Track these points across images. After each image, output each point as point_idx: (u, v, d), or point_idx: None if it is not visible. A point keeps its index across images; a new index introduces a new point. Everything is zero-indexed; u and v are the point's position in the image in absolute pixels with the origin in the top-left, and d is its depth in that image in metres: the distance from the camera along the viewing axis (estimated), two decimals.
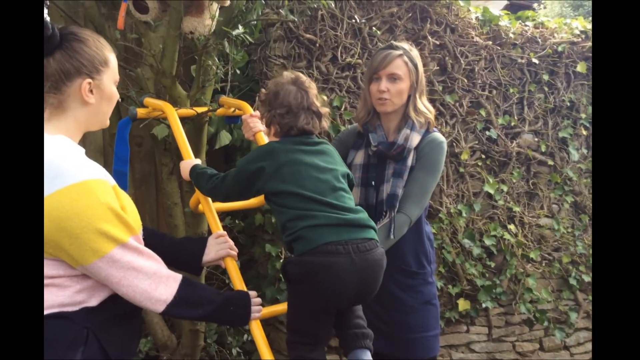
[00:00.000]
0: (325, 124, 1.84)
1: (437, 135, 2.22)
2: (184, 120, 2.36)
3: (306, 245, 1.61)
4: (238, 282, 1.82)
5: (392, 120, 2.22)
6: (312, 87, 1.81)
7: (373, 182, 2.19)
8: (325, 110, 1.83)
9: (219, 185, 1.82)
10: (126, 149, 2.11)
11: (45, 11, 2.98)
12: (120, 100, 2.87)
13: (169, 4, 2.09)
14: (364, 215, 1.72)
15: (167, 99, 2.34)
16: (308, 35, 3.02)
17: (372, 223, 1.73)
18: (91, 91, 1.45)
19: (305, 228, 1.62)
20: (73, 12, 2.80)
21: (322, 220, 1.62)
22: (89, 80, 1.43)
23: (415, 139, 2.16)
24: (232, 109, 2.24)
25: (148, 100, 2.16)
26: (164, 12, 2.12)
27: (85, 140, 3.07)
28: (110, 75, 1.50)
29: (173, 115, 2.07)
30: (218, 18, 2.18)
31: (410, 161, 2.16)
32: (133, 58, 2.65)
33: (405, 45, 2.23)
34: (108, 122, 1.57)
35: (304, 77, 1.82)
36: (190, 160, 1.97)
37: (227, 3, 2.08)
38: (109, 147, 3.05)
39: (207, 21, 2.08)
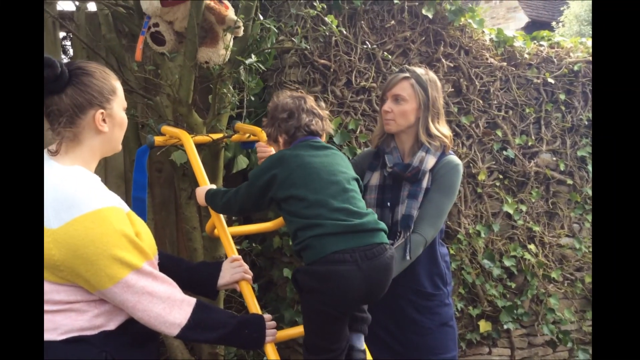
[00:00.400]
0: (328, 127, 1.89)
1: (453, 157, 2.23)
2: (200, 146, 2.42)
3: (313, 254, 1.63)
4: (253, 306, 1.84)
5: (406, 142, 2.25)
6: (310, 98, 1.88)
7: (388, 203, 2.21)
8: (325, 113, 1.88)
9: (233, 198, 1.86)
10: (144, 176, 2.17)
11: (69, 43, 3.09)
12: (140, 127, 2.97)
13: (184, 35, 2.16)
14: (372, 217, 1.72)
15: (184, 126, 2.41)
16: (322, 61, 3.07)
17: (382, 225, 1.73)
18: (104, 120, 1.51)
19: (312, 237, 1.64)
20: (95, 44, 2.89)
21: (329, 229, 1.63)
22: (102, 110, 1.49)
23: (430, 161, 2.18)
24: (247, 135, 2.29)
25: (165, 128, 2.23)
26: (180, 44, 2.19)
27: (107, 167, 3.15)
28: (119, 103, 1.56)
29: (189, 142, 2.12)
30: (232, 48, 2.24)
31: (425, 183, 2.18)
32: (152, 87, 2.72)
33: (419, 69, 2.25)
34: (120, 147, 1.63)
35: (300, 92, 1.92)
36: (204, 187, 2.02)
37: (241, 33, 2.14)
38: (130, 173, 3.12)
39: (221, 51, 2.14)
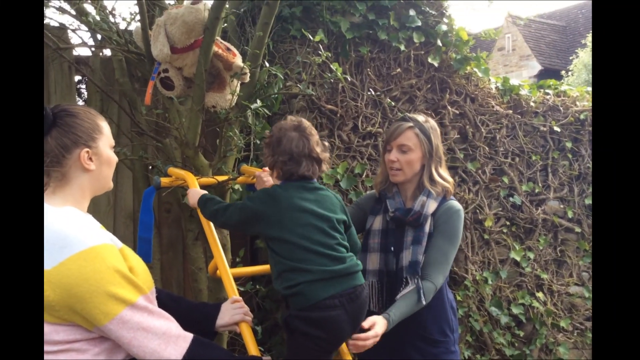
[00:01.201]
0: (325, 168, 1.95)
1: (454, 203, 2.25)
2: (207, 188, 2.46)
3: (306, 301, 1.76)
4: (253, 348, 1.85)
5: (409, 189, 2.27)
6: (314, 134, 1.91)
7: (392, 248, 2.22)
8: (325, 156, 1.93)
9: (222, 211, 1.95)
10: (151, 217, 2.21)
11: (84, 87, 3.19)
12: (150, 168, 3.03)
13: (193, 80, 2.23)
14: (352, 261, 1.86)
15: (191, 168, 2.46)
16: (329, 106, 3.14)
17: (360, 266, 1.89)
18: (90, 159, 1.55)
19: (303, 284, 1.76)
20: (108, 88, 2.99)
21: (317, 276, 1.76)
22: (87, 149, 1.54)
23: (432, 205, 2.20)
24: (252, 177, 2.33)
25: (172, 169, 2.28)
26: (189, 89, 2.26)
27: (117, 207, 3.21)
28: (105, 141, 1.60)
29: (194, 183, 2.17)
30: (239, 93, 2.31)
31: (428, 227, 2.19)
32: (162, 130, 2.80)
33: (421, 117, 2.29)
34: (112, 185, 1.66)
35: (306, 123, 1.92)
36: (199, 190, 2.10)
37: (247, 79, 2.21)
38: (139, 213, 3.17)
39: (228, 96, 2.21)
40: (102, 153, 1.58)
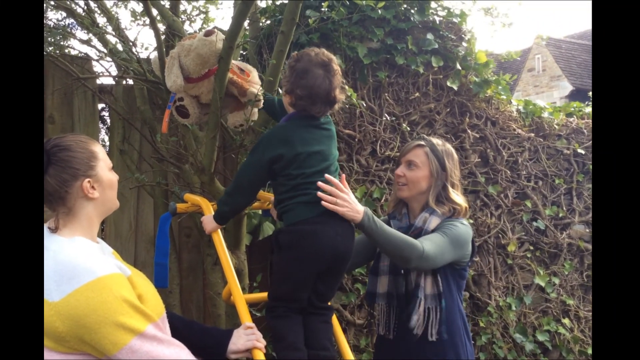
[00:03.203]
0: (337, 107, 1.99)
1: (460, 219, 2.21)
2: None
3: (296, 217, 1.88)
4: None
5: (416, 208, 2.26)
6: (338, 74, 1.93)
7: (402, 271, 2.20)
8: (341, 97, 1.96)
9: (229, 192, 2.03)
10: (167, 242, 2.23)
11: (107, 114, 3.27)
12: (170, 194, 3.07)
13: (208, 107, 2.27)
14: None
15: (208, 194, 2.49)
16: (347, 131, 3.15)
17: None
18: (92, 187, 1.56)
19: (298, 203, 1.88)
20: (130, 115, 3.05)
21: (311, 198, 1.87)
22: (88, 179, 1.55)
23: (434, 222, 2.16)
24: (267, 203, 2.34)
25: (188, 195, 2.30)
26: (205, 115, 2.29)
27: (138, 232, 3.26)
28: (103, 165, 1.60)
29: (209, 209, 2.19)
30: (251, 121, 2.33)
31: None
32: (182, 156, 2.84)
33: (436, 139, 2.29)
34: (118, 203, 1.68)
35: (334, 63, 1.94)
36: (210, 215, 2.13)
37: (261, 105, 2.23)
38: None
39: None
40: (102, 178, 1.59)
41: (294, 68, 1.93)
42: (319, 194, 1.87)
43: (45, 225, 1.54)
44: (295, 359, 1.87)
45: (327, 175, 1.90)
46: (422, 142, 2.25)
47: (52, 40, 2.87)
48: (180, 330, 1.71)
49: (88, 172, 1.56)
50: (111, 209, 1.66)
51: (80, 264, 1.43)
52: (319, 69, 1.90)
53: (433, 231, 2.15)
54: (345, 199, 1.90)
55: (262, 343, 1.91)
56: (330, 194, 1.88)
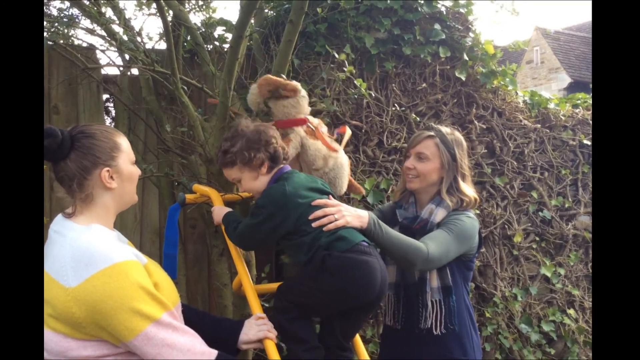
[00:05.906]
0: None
1: (466, 211, 2.20)
2: (231, 204, 2.47)
3: (345, 244, 1.82)
4: None
5: (424, 199, 2.23)
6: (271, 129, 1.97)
7: None
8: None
9: (246, 232, 1.95)
10: (176, 233, 2.22)
11: (111, 105, 3.24)
12: (176, 184, 3.06)
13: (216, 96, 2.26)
14: None
15: (215, 184, 2.47)
16: (354, 122, 3.13)
17: None
18: (112, 177, 1.56)
19: (340, 229, 1.84)
20: (135, 106, 3.03)
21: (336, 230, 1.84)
22: (107, 168, 1.55)
23: (440, 214, 2.14)
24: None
25: (197, 186, 2.29)
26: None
27: (143, 223, 3.24)
28: (125, 158, 1.61)
29: (218, 200, 2.18)
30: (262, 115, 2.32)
31: None
32: (188, 147, 2.82)
33: (445, 128, 2.25)
34: (136, 198, 1.68)
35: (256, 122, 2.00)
36: (224, 207, 2.11)
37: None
38: (164, 229, 3.19)
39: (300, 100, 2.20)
40: (122, 170, 1.59)
41: (247, 144, 1.93)
42: (314, 224, 1.85)
43: (62, 212, 1.54)
44: (321, 358, 1.88)
45: (313, 202, 1.88)
46: (432, 133, 2.21)
47: (59, 30, 2.83)
48: (191, 320, 1.70)
49: (109, 161, 1.56)
50: (129, 202, 1.66)
51: (97, 250, 1.43)
52: (257, 126, 1.95)
53: (438, 224, 2.13)
54: (340, 210, 1.88)
55: (273, 333, 1.90)
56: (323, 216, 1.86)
